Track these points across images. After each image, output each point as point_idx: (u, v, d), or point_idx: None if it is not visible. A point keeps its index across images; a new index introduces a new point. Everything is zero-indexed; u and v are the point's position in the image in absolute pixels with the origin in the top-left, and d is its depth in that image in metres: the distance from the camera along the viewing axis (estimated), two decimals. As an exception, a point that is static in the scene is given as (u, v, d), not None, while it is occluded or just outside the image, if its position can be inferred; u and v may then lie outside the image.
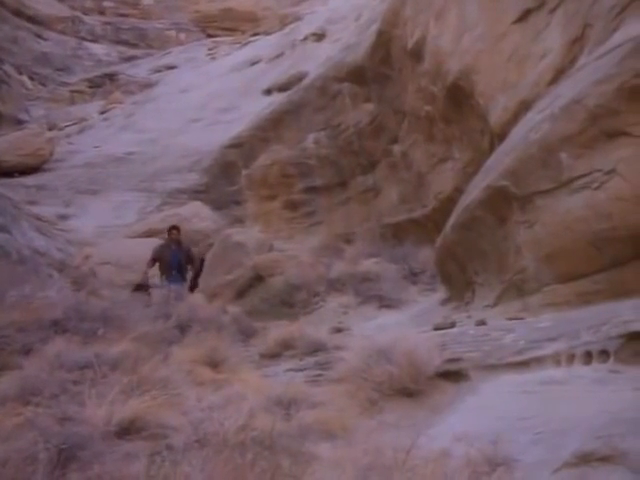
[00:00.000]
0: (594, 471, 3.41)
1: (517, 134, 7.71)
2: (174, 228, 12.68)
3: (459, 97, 10.85)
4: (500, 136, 9.02)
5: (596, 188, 6.19)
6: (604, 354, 5.15)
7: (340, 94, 16.29)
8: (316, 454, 4.14)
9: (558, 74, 8.10)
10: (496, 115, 9.64)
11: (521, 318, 6.85)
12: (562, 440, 3.88)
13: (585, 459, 3.49)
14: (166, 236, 12.75)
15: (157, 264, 12.45)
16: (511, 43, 9.40)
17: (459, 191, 10.16)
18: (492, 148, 9.42)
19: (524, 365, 5.58)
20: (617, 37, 6.53)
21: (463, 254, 8.87)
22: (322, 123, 16.74)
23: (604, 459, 3.43)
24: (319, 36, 21.68)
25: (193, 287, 12.95)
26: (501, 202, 7.55)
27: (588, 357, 5.23)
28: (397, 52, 13.82)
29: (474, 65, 10.15)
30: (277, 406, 5.37)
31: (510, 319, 6.97)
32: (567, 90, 6.86)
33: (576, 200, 6.40)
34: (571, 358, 5.33)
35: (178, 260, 12.27)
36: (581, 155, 6.35)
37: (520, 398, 5.06)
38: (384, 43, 14.23)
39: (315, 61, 19.02)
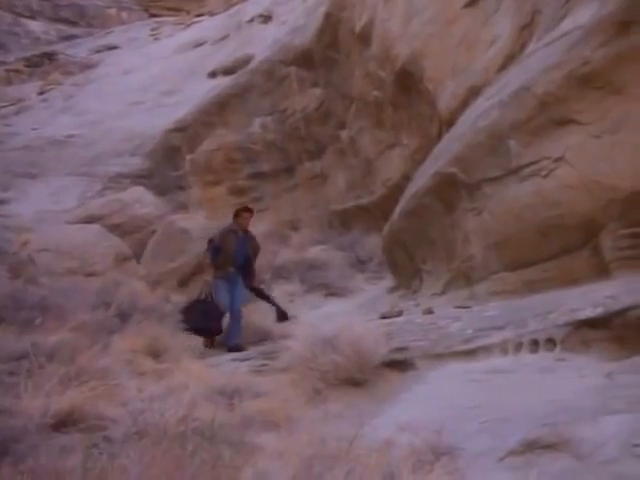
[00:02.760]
0: (539, 458, 3.42)
1: (466, 121, 7.67)
2: (247, 210, 9.24)
3: (408, 82, 10.79)
4: (449, 122, 9.00)
5: (545, 176, 6.18)
6: (551, 342, 5.19)
7: (287, 78, 16.12)
8: (259, 444, 4.09)
9: (508, 60, 8.09)
10: (445, 101, 9.60)
11: (468, 306, 6.85)
12: (508, 428, 3.87)
13: (530, 447, 3.50)
14: (232, 220, 9.20)
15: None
16: (461, 28, 9.36)
17: (407, 178, 10.12)
18: (441, 134, 9.40)
19: (471, 354, 5.57)
20: (566, 24, 6.51)
21: (411, 242, 8.84)
22: (268, 107, 16.56)
23: (549, 446, 3.44)
24: (265, 18, 21.39)
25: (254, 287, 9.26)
26: (449, 189, 7.51)
27: (535, 345, 5.26)
28: (345, 35, 13.70)
29: (423, 50, 10.08)
30: (220, 396, 5.34)
31: (457, 307, 6.96)
32: (516, 77, 6.83)
33: (525, 188, 6.39)
34: (518, 347, 5.35)
35: (245, 255, 8.89)
36: (530, 143, 6.33)
37: (467, 387, 5.04)
38: (332, 26, 14.09)
39: (261, 44, 18.80)
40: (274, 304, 8.98)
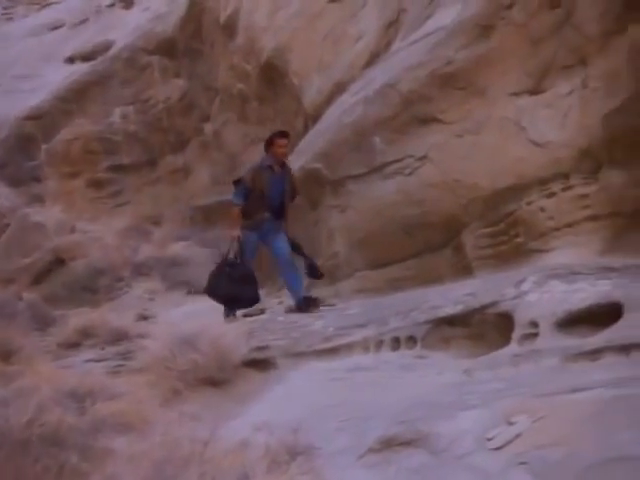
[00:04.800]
0: (396, 455, 3.39)
1: (331, 116, 7.66)
2: (282, 135, 7.15)
3: (273, 76, 10.71)
4: (314, 117, 8.99)
5: (408, 174, 6.23)
6: (412, 340, 5.20)
7: (149, 67, 15.69)
8: (110, 448, 3.88)
9: (373, 57, 8.16)
10: (310, 96, 9.59)
11: (332, 304, 6.80)
12: (367, 426, 3.82)
13: (388, 444, 3.47)
14: (264, 152, 7.22)
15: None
16: (327, 22, 9.38)
17: (272, 173, 10.01)
18: (306, 130, 9.36)
19: (333, 352, 5.52)
20: (430, 24, 6.61)
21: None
22: (130, 97, 16.05)
23: (406, 443, 3.42)
24: (127, 3, 20.69)
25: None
26: (314, 185, 7.46)
27: (396, 343, 5.27)
28: (209, 25, 13.48)
29: (289, 43, 10.03)
30: (71, 399, 4.99)
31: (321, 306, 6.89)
32: (381, 74, 6.87)
33: (388, 185, 6.42)
34: (379, 344, 5.34)
35: (281, 194, 7.04)
36: (394, 140, 6.37)
37: (327, 386, 4.98)
38: (196, 15, 13.83)
39: (123, 30, 18.22)
40: (307, 258, 7.17)
